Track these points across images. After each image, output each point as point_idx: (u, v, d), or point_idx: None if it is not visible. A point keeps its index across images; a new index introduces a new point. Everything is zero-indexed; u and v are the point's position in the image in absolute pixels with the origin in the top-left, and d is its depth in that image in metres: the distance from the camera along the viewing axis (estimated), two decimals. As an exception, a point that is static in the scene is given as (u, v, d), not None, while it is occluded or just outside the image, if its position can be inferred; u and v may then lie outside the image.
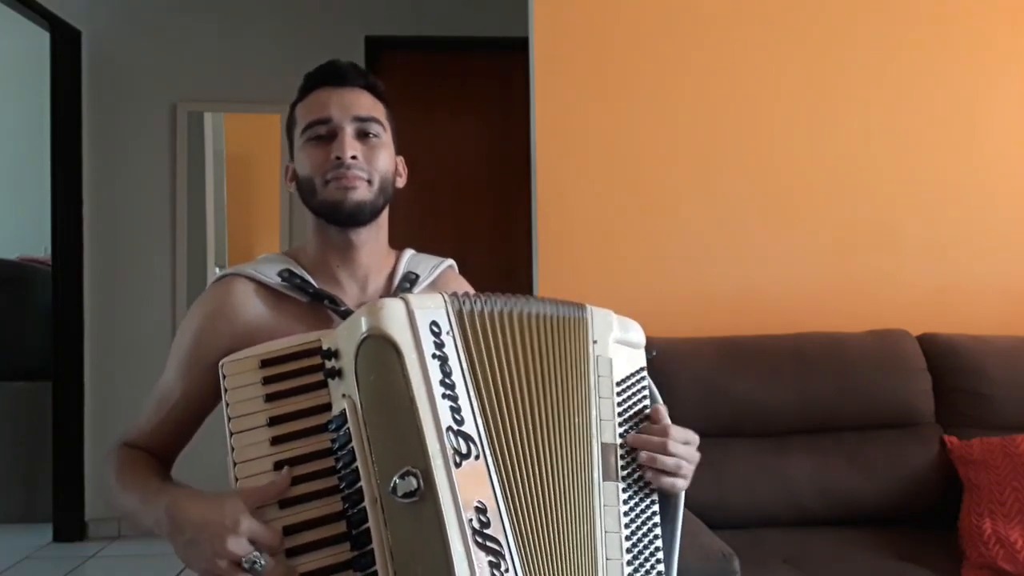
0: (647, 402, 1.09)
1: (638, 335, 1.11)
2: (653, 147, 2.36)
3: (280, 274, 1.16)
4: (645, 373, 1.10)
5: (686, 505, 1.86)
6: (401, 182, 1.24)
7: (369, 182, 1.14)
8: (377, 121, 1.16)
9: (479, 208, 3.80)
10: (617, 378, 1.06)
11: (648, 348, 1.12)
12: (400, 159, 1.25)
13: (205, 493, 0.96)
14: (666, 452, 1.03)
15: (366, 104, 1.17)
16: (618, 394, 1.05)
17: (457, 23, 3.72)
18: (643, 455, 1.02)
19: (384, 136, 1.18)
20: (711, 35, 2.38)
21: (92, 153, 3.58)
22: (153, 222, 3.61)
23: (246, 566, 0.86)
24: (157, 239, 3.61)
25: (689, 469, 1.06)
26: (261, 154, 3.85)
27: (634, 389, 1.08)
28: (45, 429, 3.51)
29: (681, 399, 2.01)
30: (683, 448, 1.05)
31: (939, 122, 2.42)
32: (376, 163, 1.15)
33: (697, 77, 2.38)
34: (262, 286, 1.15)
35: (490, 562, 0.85)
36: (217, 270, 3.69)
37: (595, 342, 1.05)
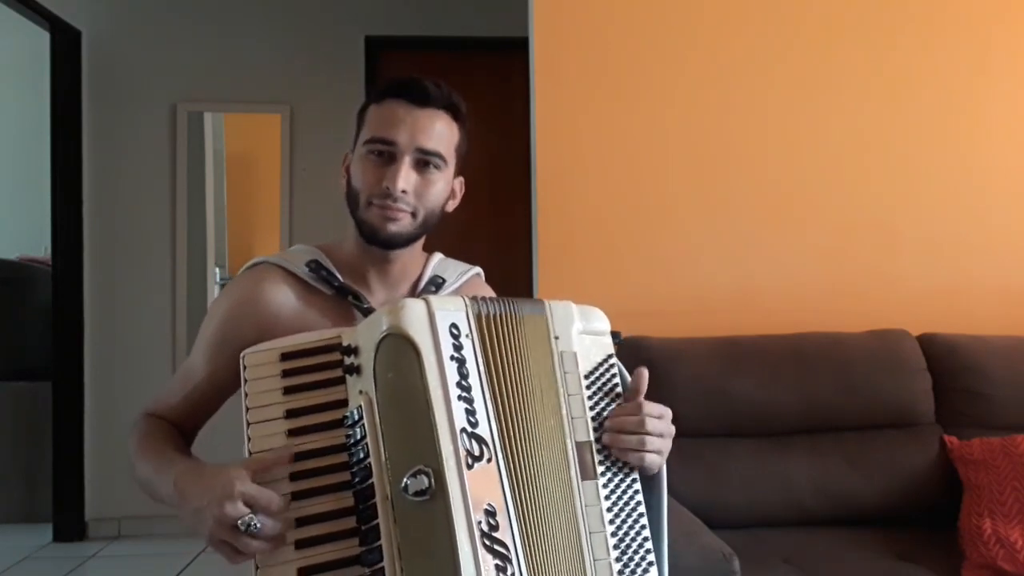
0: (619, 390, 1.08)
1: (602, 323, 1.10)
2: (653, 147, 2.37)
3: (308, 264, 1.17)
4: (614, 360, 1.09)
5: (686, 504, 1.88)
6: (453, 205, 1.23)
7: (413, 215, 1.14)
8: (440, 155, 1.14)
9: (479, 209, 3.79)
10: (585, 371, 1.05)
11: (613, 333, 1.11)
12: (460, 180, 1.23)
13: (210, 465, 0.98)
14: (642, 430, 1.02)
15: (437, 132, 1.14)
16: (587, 387, 1.05)
17: (457, 23, 3.72)
18: (606, 437, 1.02)
19: (444, 168, 1.15)
20: (710, 35, 2.38)
21: (92, 153, 3.58)
22: (153, 222, 3.61)
23: (242, 528, 0.88)
24: (157, 239, 3.61)
25: (664, 444, 1.06)
26: (261, 154, 3.85)
27: (604, 379, 1.07)
28: (45, 429, 3.51)
29: (681, 399, 2.01)
30: (658, 423, 1.04)
31: (937, 122, 2.42)
32: (426, 198, 1.14)
33: (696, 77, 2.38)
34: (290, 275, 1.17)
35: (496, 565, 0.86)
36: (217, 270, 3.70)
37: (557, 338, 1.04)
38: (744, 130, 2.38)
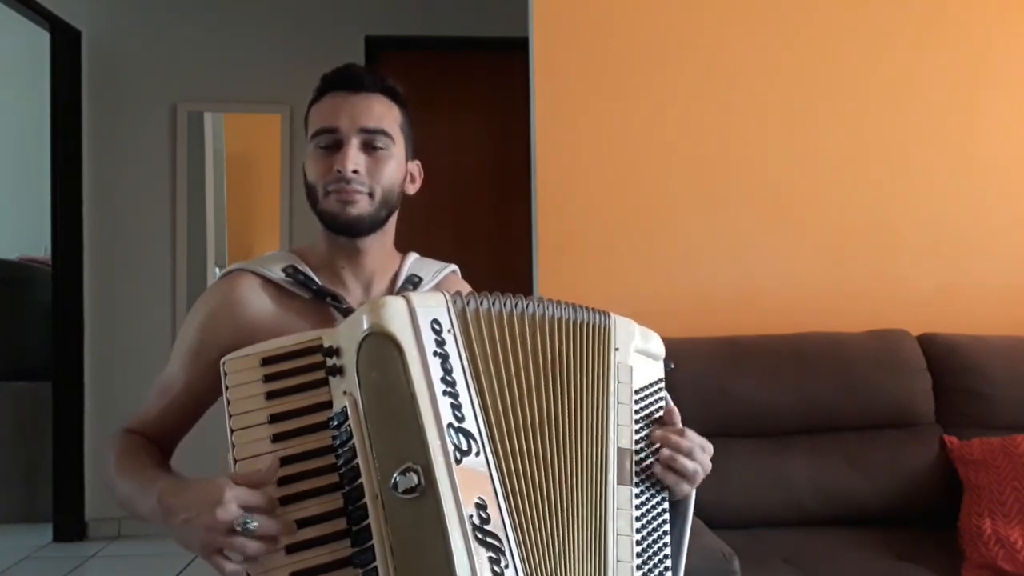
0: (661, 415, 1.09)
1: (658, 347, 1.12)
2: (653, 146, 2.36)
3: (284, 270, 1.17)
4: (663, 385, 1.11)
5: (686, 505, 1.87)
6: (413, 188, 1.25)
7: (370, 195, 1.15)
8: (385, 133, 1.15)
9: (479, 208, 3.80)
10: (636, 386, 1.07)
11: (666, 361, 1.13)
12: (416, 163, 1.25)
13: (193, 479, 0.97)
14: (690, 456, 1.04)
15: (377, 113, 1.16)
16: (636, 402, 1.06)
17: (457, 23, 3.72)
18: (664, 452, 1.03)
19: (392, 147, 1.17)
20: (710, 35, 2.38)
21: (92, 153, 3.58)
22: (153, 222, 3.61)
23: (238, 528, 0.87)
24: (157, 239, 3.61)
25: (702, 476, 1.07)
26: (261, 154, 3.85)
27: (652, 399, 1.09)
28: (45, 429, 3.51)
29: (681, 399, 1.98)
30: (705, 457, 1.07)
31: (937, 122, 2.42)
32: (379, 176, 1.15)
33: (696, 77, 2.38)
34: (267, 282, 1.17)
35: (490, 558, 0.86)
36: (217, 270, 3.70)
37: (617, 349, 1.06)
38: (744, 130, 2.38)
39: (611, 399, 1.03)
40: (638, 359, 1.08)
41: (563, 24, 2.34)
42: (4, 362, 3.81)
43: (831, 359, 2.11)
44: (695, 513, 1.82)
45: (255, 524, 0.87)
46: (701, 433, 2.13)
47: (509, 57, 3.49)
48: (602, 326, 1.06)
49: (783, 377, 2.08)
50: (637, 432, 1.04)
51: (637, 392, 1.07)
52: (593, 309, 1.07)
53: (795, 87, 2.39)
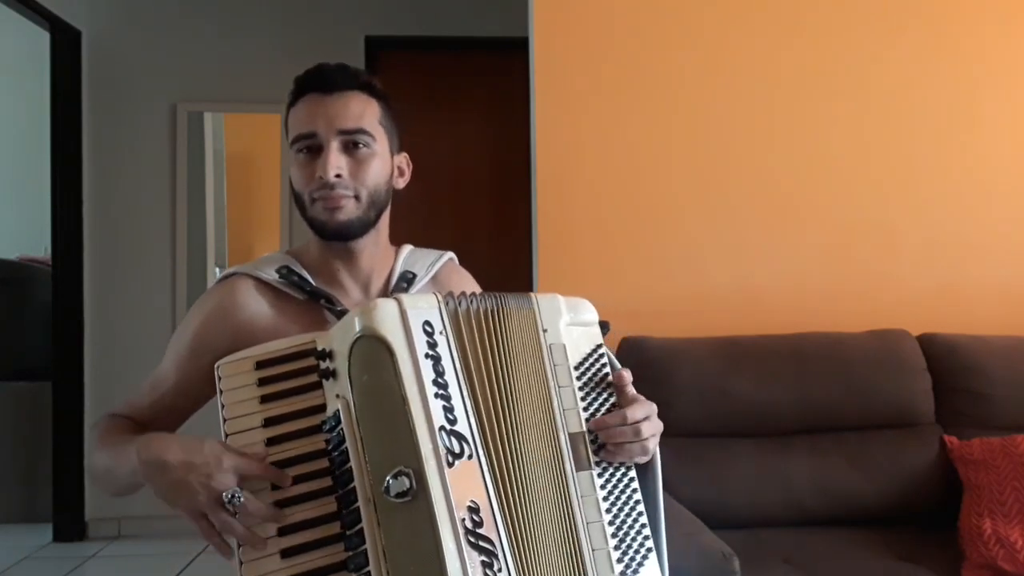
0: (610, 378, 1.08)
1: (590, 314, 1.11)
2: (653, 146, 2.36)
3: (278, 271, 1.17)
4: (604, 349, 1.09)
5: (686, 504, 1.88)
6: (402, 182, 1.23)
7: (356, 198, 1.13)
8: (364, 132, 1.13)
9: (479, 208, 3.80)
10: (574, 362, 1.05)
11: (602, 323, 1.11)
12: (404, 156, 1.23)
13: (178, 436, 0.97)
14: (639, 439, 1.02)
15: (355, 112, 1.13)
16: (578, 378, 1.05)
17: (457, 23, 3.72)
18: (604, 453, 1.02)
19: (375, 145, 1.14)
20: (710, 35, 2.38)
21: (92, 153, 3.58)
22: (153, 222, 3.61)
23: (225, 500, 0.87)
24: (157, 239, 3.61)
25: (655, 441, 1.06)
26: (261, 154, 3.85)
27: (594, 369, 1.07)
28: (45, 429, 3.51)
29: (681, 399, 2.01)
30: (649, 426, 1.05)
31: (938, 122, 2.42)
32: (364, 177, 1.13)
33: (696, 77, 2.37)
34: (263, 284, 1.16)
35: (483, 562, 0.85)
36: (217, 270, 3.70)
37: (545, 331, 1.05)
38: (744, 130, 2.38)
39: (551, 385, 1.02)
40: (572, 332, 1.07)
41: (563, 24, 2.34)
42: (4, 362, 3.80)
43: (831, 359, 2.11)
44: (695, 513, 1.83)
45: (242, 499, 0.87)
46: (701, 434, 2.14)
47: (509, 57, 3.49)
48: (526, 310, 1.05)
49: (783, 377, 2.08)
50: (585, 410, 1.03)
51: (577, 367, 1.05)
52: (514, 295, 1.05)
53: (795, 87, 2.39)
